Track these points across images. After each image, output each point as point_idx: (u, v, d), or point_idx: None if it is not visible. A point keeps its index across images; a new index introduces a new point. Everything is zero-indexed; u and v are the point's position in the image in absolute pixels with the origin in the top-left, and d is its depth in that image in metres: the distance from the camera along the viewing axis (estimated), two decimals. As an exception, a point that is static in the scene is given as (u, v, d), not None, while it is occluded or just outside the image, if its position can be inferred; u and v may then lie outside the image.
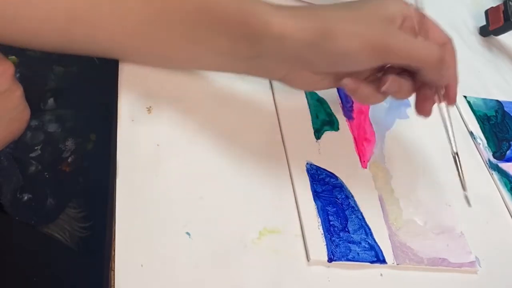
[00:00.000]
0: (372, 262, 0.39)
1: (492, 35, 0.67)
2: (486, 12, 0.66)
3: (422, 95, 0.43)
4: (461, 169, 0.43)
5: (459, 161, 0.43)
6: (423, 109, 0.44)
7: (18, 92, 0.38)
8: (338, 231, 0.40)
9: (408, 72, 0.42)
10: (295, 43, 0.40)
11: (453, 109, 0.45)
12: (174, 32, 0.40)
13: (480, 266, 0.42)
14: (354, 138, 0.47)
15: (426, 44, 0.40)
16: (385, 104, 0.51)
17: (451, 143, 0.43)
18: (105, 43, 0.41)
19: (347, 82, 0.42)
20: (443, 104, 0.43)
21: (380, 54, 0.39)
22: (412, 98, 0.44)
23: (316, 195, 0.41)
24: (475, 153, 0.52)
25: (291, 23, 0.39)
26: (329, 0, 0.58)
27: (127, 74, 0.43)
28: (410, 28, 0.41)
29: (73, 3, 0.37)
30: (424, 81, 0.42)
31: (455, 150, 0.43)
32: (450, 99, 0.43)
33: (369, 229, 0.41)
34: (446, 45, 0.42)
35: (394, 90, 0.42)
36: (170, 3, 0.39)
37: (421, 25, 0.41)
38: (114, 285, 0.32)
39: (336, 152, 0.45)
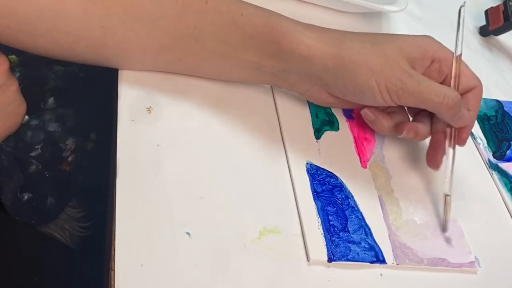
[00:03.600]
0: (372, 262, 0.39)
1: (492, 35, 0.67)
2: (486, 12, 0.66)
3: (435, 141, 0.44)
4: (449, 211, 0.43)
5: (449, 203, 0.43)
6: (433, 161, 0.44)
7: (13, 87, 0.38)
8: (338, 231, 0.40)
9: (427, 111, 0.43)
10: (317, 66, 0.41)
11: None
12: (204, 47, 0.41)
13: (480, 266, 0.42)
14: (354, 138, 0.47)
15: (442, 89, 0.40)
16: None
17: (447, 184, 0.43)
18: (137, 58, 0.42)
19: (366, 112, 0.44)
20: (450, 148, 0.43)
21: (394, 95, 0.40)
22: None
23: (316, 195, 0.41)
24: (475, 153, 0.52)
25: (319, 45, 0.40)
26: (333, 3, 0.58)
27: (127, 74, 0.43)
28: (437, 70, 0.42)
29: (108, 20, 0.38)
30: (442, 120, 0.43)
31: (448, 193, 0.43)
32: (461, 140, 0.44)
33: (369, 229, 0.41)
34: (475, 89, 0.43)
35: (411, 137, 0.43)
36: (201, 20, 0.40)
37: (454, 71, 0.42)
38: (114, 285, 0.33)
39: (336, 152, 0.45)
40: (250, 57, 0.42)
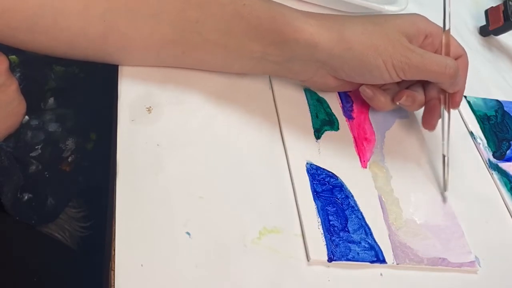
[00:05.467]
0: (372, 262, 0.39)
1: (492, 35, 0.67)
2: (486, 12, 0.66)
3: (431, 106, 0.46)
4: (447, 171, 0.45)
5: (447, 163, 0.46)
6: (429, 123, 0.47)
7: (13, 86, 0.38)
8: (338, 231, 0.40)
9: (420, 83, 0.46)
10: (323, 52, 0.42)
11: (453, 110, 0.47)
12: (208, 39, 0.41)
13: (480, 266, 0.42)
14: (354, 138, 0.47)
15: (443, 59, 0.42)
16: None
17: (444, 146, 0.46)
18: (140, 53, 0.42)
19: (365, 90, 0.46)
20: (445, 112, 0.46)
21: (400, 71, 0.42)
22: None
23: (316, 195, 0.41)
24: (475, 153, 0.52)
25: (322, 32, 0.41)
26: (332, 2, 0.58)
27: (127, 74, 0.43)
28: (431, 44, 0.45)
29: (110, 15, 0.38)
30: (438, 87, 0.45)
31: (445, 154, 0.46)
32: (455, 104, 0.46)
33: (369, 229, 0.41)
34: (462, 57, 0.46)
35: (408, 104, 0.46)
36: (204, 12, 0.40)
37: (445, 42, 0.45)
38: (114, 285, 0.33)
39: (336, 152, 0.45)
40: (254, 47, 0.42)
